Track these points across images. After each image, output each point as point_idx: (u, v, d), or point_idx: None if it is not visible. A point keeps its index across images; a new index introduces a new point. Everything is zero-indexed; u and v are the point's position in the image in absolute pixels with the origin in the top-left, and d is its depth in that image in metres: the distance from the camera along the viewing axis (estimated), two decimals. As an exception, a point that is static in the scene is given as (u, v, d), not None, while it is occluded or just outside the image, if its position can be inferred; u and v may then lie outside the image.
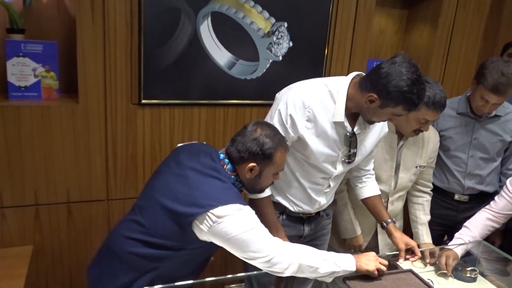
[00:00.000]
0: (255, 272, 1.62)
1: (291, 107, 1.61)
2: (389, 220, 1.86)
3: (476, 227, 1.92)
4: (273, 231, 1.64)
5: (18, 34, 1.98)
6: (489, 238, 2.27)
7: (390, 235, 1.84)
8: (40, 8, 2.06)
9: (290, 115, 1.61)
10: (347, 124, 1.62)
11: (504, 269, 2.01)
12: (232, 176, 1.52)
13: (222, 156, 1.54)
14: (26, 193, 2.01)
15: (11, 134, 1.93)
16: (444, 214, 2.33)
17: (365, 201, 1.93)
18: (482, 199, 2.28)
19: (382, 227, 1.89)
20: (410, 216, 2.18)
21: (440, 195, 2.31)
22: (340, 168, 1.73)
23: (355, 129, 1.66)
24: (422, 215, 2.14)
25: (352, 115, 1.64)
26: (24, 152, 1.96)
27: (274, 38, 2.27)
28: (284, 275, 1.45)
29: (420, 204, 2.15)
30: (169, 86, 2.14)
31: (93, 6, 1.93)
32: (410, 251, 1.80)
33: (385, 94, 1.48)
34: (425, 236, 2.10)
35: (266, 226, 1.62)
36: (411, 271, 1.72)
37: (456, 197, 2.30)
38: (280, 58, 2.31)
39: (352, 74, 1.64)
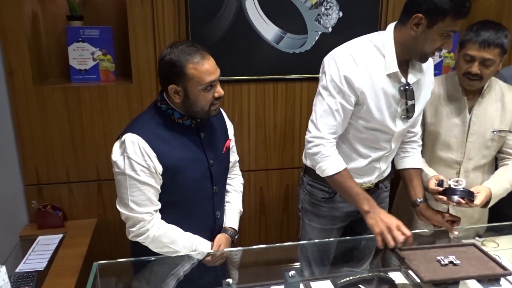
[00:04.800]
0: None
1: (343, 67, 1.54)
2: (423, 199, 1.72)
3: None
4: (364, 203, 1.53)
5: (77, 21, 2.13)
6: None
7: (421, 214, 1.71)
8: (96, -5, 2.19)
9: (345, 76, 1.53)
10: (400, 74, 1.54)
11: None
12: (162, 106, 1.47)
13: None
14: (89, 169, 2.16)
15: (73, 114, 2.08)
16: None
17: (403, 172, 1.79)
18: None
19: (413, 205, 1.74)
20: None
21: None
22: (400, 125, 1.64)
23: (409, 79, 1.58)
24: (501, 171, 1.84)
25: (403, 65, 1.55)
26: (85, 130, 2.11)
27: (323, 9, 2.20)
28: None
29: (504, 165, 1.86)
30: (217, 63, 2.15)
31: (142, -12, 2.01)
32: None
33: (430, 8, 1.40)
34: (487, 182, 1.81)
35: (354, 199, 1.56)
36: (474, 244, 1.58)
37: None
38: (330, 29, 2.24)
39: (392, 24, 1.57)
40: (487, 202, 1.71)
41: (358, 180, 1.71)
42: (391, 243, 1.42)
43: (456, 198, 1.64)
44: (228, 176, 1.72)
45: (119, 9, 2.20)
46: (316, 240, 1.82)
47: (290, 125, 2.34)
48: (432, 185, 1.71)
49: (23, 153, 2.07)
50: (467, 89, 1.80)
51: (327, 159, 1.57)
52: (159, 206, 1.48)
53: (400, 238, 1.41)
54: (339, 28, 2.24)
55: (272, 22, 2.17)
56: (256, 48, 2.19)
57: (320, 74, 1.62)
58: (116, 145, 1.46)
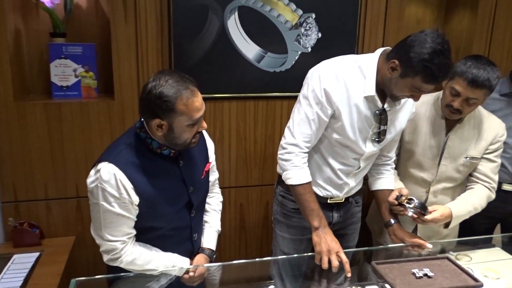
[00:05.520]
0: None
1: (325, 80, 1.59)
2: (396, 220, 1.80)
3: None
4: (315, 220, 1.61)
5: (60, 38, 2.14)
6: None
7: (393, 234, 1.79)
8: (80, 13, 2.21)
9: (325, 89, 1.59)
10: (377, 98, 1.59)
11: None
12: (141, 134, 1.43)
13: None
14: (68, 186, 2.14)
15: (54, 130, 2.07)
16: (491, 205, 2.17)
17: (376, 193, 1.87)
18: None
19: (386, 225, 1.81)
20: None
21: None
22: (370, 147, 1.70)
23: (386, 105, 1.63)
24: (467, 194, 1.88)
25: (382, 91, 1.61)
26: (66, 147, 2.10)
27: (302, 30, 2.27)
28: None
29: (470, 189, 1.90)
30: (199, 81, 2.16)
31: (126, 7, 2.04)
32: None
33: (405, 61, 1.45)
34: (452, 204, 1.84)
35: (307, 213, 1.63)
36: (447, 257, 1.63)
37: (504, 187, 2.15)
38: (309, 49, 2.30)
39: (381, 49, 1.62)
40: (448, 223, 1.77)
41: (326, 193, 1.78)
42: (325, 265, 1.53)
43: (410, 213, 1.72)
44: (208, 194, 1.72)
45: (102, 26, 2.22)
46: (291, 255, 1.85)
47: (270, 142, 2.37)
48: (391, 197, 1.76)
49: (1, 170, 2.05)
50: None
51: (295, 168, 1.63)
52: (133, 233, 1.47)
53: (335, 263, 1.52)
54: (318, 48, 2.30)
55: (254, 42, 2.22)
56: (237, 67, 2.23)
57: (303, 84, 1.68)
58: (92, 173, 1.42)
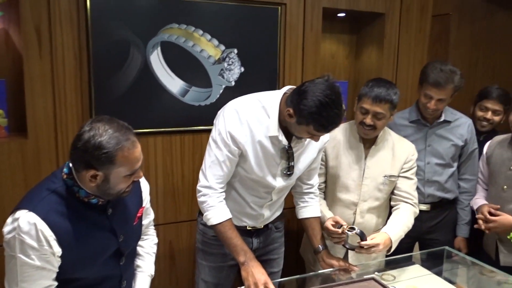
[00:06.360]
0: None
1: (229, 123, 1.65)
2: (324, 246, 1.88)
3: None
4: (240, 255, 1.62)
5: (-36, 73, 1.97)
6: (454, 246, 2.29)
7: (323, 260, 1.85)
8: (-13, 47, 2.06)
9: (229, 132, 1.64)
10: (282, 138, 1.64)
11: (469, 273, 2.02)
12: (68, 181, 1.33)
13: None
14: (-25, 235, 1.92)
15: (-43, 174, 1.87)
16: None
17: (303, 221, 1.93)
18: (443, 207, 2.33)
19: (315, 252, 1.89)
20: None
21: None
22: (281, 182, 1.76)
23: (292, 142, 1.69)
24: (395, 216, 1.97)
25: (287, 128, 1.66)
26: (-29, 192, 1.90)
27: (225, 64, 2.32)
28: None
29: (397, 209, 2.00)
30: (121, 117, 2.05)
31: (40, 41, 1.94)
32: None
33: (298, 111, 1.51)
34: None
35: (232, 250, 1.63)
36: (373, 278, 1.71)
37: (419, 207, 2.31)
38: (233, 83, 2.35)
39: (285, 88, 1.68)
40: (390, 247, 1.85)
41: (243, 223, 1.82)
42: None
43: (353, 246, 1.80)
44: (141, 236, 1.64)
45: (14, 61, 2.09)
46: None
47: (198, 176, 2.34)
48: (330, 226, 1.83)
49: None
50: (363, 137, 2.00)
51: (212, 209, 1.66)
52: (54, 285, 1.33)
53: None
54: (241, 82, 2.36)
55: (178, 76, 2.23)
56: (162, 101, 2.21)
57: (213, 125, 1.73)
58: (9, 221, 1.29)
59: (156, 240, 1.73)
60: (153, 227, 1.73)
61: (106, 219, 1.41)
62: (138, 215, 1.54)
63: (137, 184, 1.53)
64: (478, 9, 3.42)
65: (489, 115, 2.43)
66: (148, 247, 1.68)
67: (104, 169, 1.28)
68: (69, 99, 2.03)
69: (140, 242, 1.64)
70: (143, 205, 1.57)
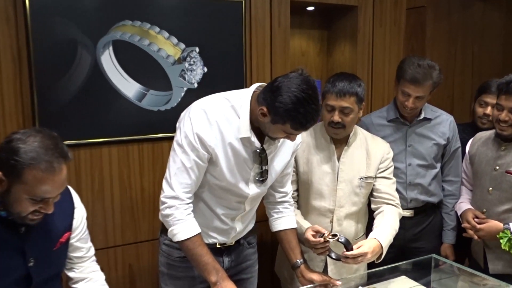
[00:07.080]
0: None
1: (196, 125, 1.49)
2: (302, 260, 1.73)
3: None
4: (212, 274, 1.46)
5: None
6: (440, 253, 2.15)
7: (302, 275, 1.71)
8: None
9: (197, 134, 1.49)
10: (254, 139, 1.51)
11: (459, 283, 1.88)
12: None
13: None
14: None
15: None
16: None
17: (279, 233, 1.78)
18: (427, 212, 2.19)
19: (293, 267, 1.73)
20: None
21: None
22: (254, 189, 1.61)
23: (265, 144, 1.55)
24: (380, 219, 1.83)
25: (259, 129, 1.53)
26: None
27: (186, 65, 2.12)
28: None
29: (380, 213, 1.86)
30: (70, 125, 1.91)
31: (-30, 43, 1.72)
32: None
33: (273, 109, 1.40)
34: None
35: (201, 269, 1.47)
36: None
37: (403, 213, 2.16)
38: (196, 85, 2.16)
39: (254, 86, 1.55)
40: (381, 254, 1.71)
41: (213, 240, 1.65)
42: None
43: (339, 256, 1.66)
44: (84, 277, 1.44)
45: None
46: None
47: (160, 189, 2.13)
48: (311, 237, 1.67)
49: None
50: (334, 138, 1.85)
51: (179, 222, 1.49)
52: None
53: None
54: (205, 83, 2.17)
55: (133, 79, 2.02)
56: (116, 107, 2.00)
57: (176, 129, 1.56)
58: None
59: (103, 278, 1.53)
60: (95, 262, 1.53)
61: (16, 237, 1.25)
62: (61, 240, 1.36)
63: (69, 205, 1.38)
64: (454, 1, 3.32)
65: (488, 110, 2.27)
66: None
67: (9, 177, 1.17)
68: (8, 106, 1.81)
69: (84, 285, 1.45)
70: (71, 231, 1.38)
